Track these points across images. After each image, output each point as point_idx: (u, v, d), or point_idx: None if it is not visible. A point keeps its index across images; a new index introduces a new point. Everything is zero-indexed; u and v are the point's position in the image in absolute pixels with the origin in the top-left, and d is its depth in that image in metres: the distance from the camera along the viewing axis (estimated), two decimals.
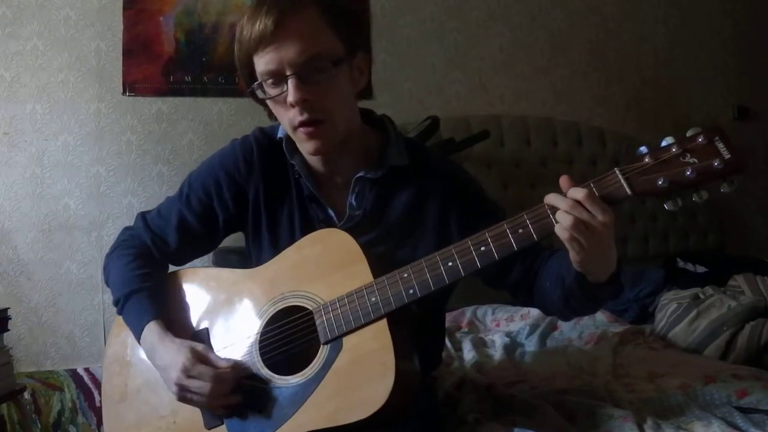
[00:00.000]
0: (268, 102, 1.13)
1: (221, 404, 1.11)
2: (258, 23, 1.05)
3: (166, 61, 2.56)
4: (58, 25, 2.46)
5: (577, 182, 0.97)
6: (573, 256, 0.97)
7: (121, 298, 1.21)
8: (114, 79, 2.51)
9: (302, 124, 1.09)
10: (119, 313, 1.23)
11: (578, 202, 0.94)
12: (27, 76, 2.43)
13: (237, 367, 1.12)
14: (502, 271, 1.18)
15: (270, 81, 1.09)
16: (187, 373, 1.09)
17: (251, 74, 1.12)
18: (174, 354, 1.12)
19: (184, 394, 1.11)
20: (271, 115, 1.18)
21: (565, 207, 0.94)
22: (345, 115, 1.14)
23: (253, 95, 1.14)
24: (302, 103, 1.07)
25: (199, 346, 1.14)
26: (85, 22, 2.48)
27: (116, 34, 2.51)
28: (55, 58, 2.46)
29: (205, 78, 2.60)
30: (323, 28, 1.08)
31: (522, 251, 1.04)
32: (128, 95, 2.52)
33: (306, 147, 1.13)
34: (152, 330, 1.16)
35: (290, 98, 1.07)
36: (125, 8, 2.51)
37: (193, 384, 1.10)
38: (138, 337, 1.18)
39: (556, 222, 0.96)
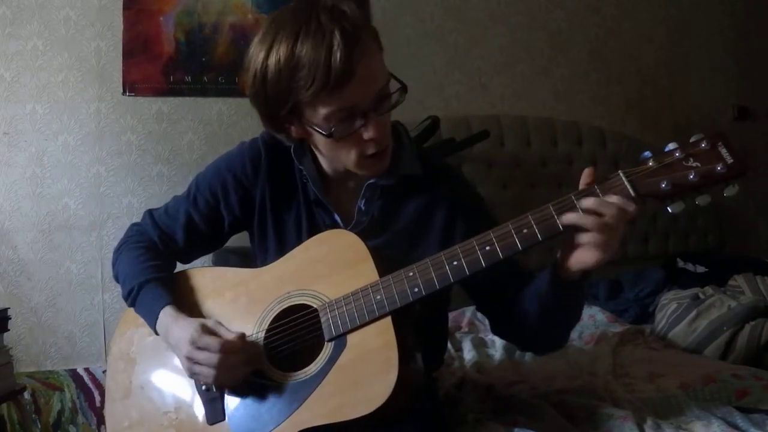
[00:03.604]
0: (331, 140, 1.07)
1: (229, 380, 1.11)
2: (333, 60, 0.99)
3: (166, 61, 2.56)
4: (58, 25, 2.45)
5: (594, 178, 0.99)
6: (589, 257, 0.99)
7: (135, 287, 1.20)
8: (114, 79, 2.51)
9: (375, 154, 1.10)
10: (131, 304, 1.22)
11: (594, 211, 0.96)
12: (27, 76, 2.42)
13: (246, 338, 1.12)
14: (497, 287, 1.18)
15: (340, 118, 1.05)
16: (195, 344, 1.09)
17: (294, 107, 1.06)
18: (185, 330, 1.11)
19: (192, 367, 1.10)
20: (290, 140, 1.15)
21: (593, 212, 0.97)
22: None
23: (287, 121, 1.10)
24: (382, 135, 1.08)
25: (210, 321, 1.14)
26: (85, 22, 2.48)
27: (116, 34, 2.51)
28: (55, 58, 2.45)
29: (205, 78, 2.60)
30: (381, 58, 1.09)
31: (521, 274, 1.13)
32: (128, 95, 2.52)
33: (370, 172, 1.14)
34: (167, 313, 1.16)
35: (373, 134, 1.06)
36: (125, 8, 2.51)
37: (201, 356, 1.09)
38: (153, 323, 1.17)
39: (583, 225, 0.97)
